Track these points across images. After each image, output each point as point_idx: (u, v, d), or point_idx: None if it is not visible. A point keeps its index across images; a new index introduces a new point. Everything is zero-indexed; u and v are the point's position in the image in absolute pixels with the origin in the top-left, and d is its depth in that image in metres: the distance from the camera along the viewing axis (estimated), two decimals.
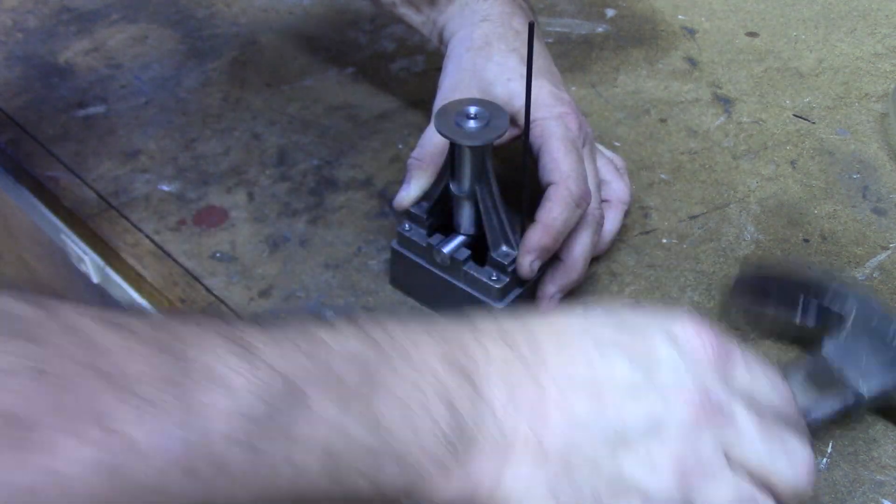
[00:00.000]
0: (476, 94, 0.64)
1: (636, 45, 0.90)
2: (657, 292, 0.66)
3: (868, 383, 0.54)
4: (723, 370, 0.45)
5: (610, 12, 0.94)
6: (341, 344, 0.41)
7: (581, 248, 0.62)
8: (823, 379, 0.55)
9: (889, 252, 0.69)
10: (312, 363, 0.39)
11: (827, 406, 0.54)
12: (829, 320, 0.58)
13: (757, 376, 0.47)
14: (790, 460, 0.45)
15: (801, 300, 0.59)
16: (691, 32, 0.91)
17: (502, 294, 0.60)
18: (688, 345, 0.45)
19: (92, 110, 0.82)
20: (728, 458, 0.44)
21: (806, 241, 0.70)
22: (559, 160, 0.61)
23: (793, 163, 0.77)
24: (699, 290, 0.66)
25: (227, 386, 0.36)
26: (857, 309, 0.57)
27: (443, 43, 0.71)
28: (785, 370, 0.54)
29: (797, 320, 0.59)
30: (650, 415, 0.43)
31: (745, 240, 0.70)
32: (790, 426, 0.46)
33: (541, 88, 0.63)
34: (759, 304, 0.61)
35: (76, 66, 0.86)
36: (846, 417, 0.55)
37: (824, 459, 0.56)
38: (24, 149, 0.78)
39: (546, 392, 0.43)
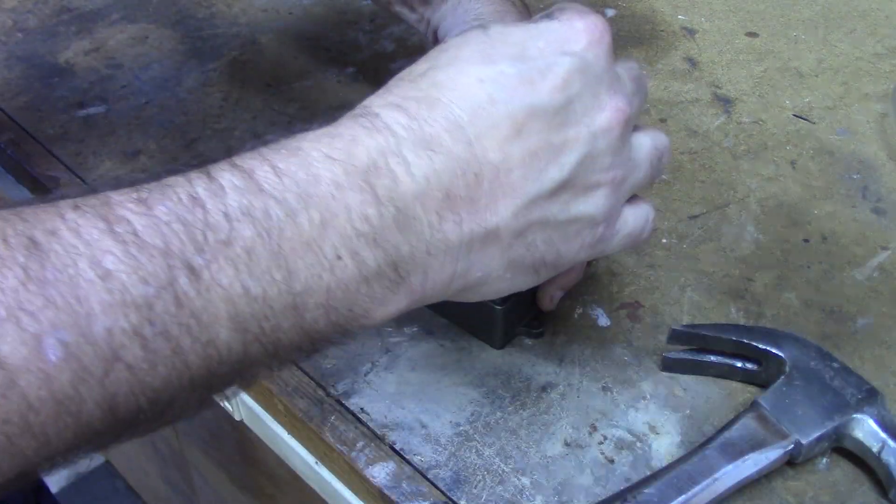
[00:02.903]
0: None
1: (636, 45, 0.90)
2: (657, 292, 0.66)
3: (805, 431, 0.54)
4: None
5: (610, 12, 0.94)
6: (224, 200, 0.38)
7: None
8: (765, 428, 0.54)
9: (889, 252, 0.69)
10: (196, 229, 0.37)
11: (770, 454, 0.53)
12: (769, 365, 0.58)
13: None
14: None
15: (737, 349, 0.60)
16: (691, 32, 0.91)
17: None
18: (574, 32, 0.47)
19: (92, 110, 0.82)
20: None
21: (806, 241, 0.70)
22: None
23: (793, 163, 0.77)
24: (699, 290, 0.66)
25: (101, 274, 0.35)
26: (793, 353, 0.57)
27: (437, 42, 0.71)
28: (732, 420, 0.55)
29: (738, 366, 0.60)
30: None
31: (745, 240, 0.70)
32: None
33: None
34: (699, 353, 0.61)
35: (76, 66, 0.86)
36: (796, 462, 0.55)
37: (824, 459, 0.56)
38: (24, 149, 0.78)
39: (482, 174, 0.44)
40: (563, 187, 0.46)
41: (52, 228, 0.35)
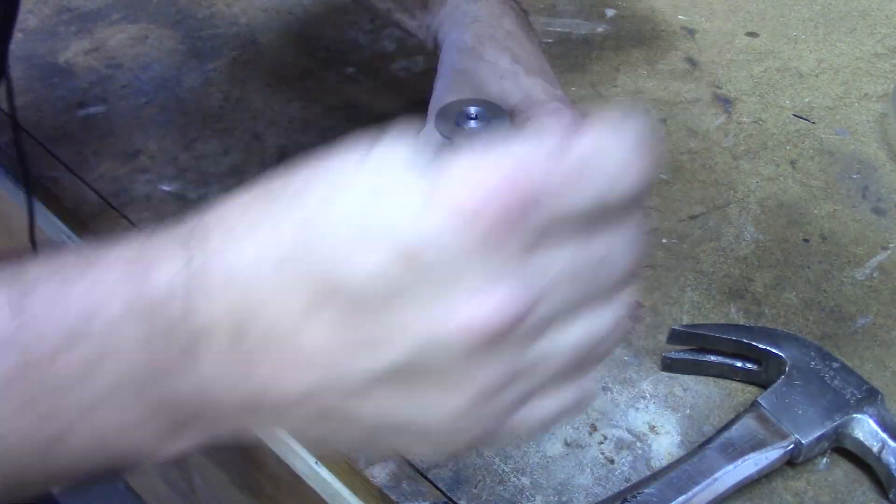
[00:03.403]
0: (470, 95, 0.64)
1: (636, 45, 0.90)
2: (657, 292, 0.66)
3: (805, 431, 0.54)
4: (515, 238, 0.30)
5: (610, 12, 0.94)
6: None
7: None
8: (765, 428, 0.54)
9: (889, 252, 0.69)
10: None
11: (770, 454, 0.54)
12: (769, 365, 0.58)
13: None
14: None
15: (737, 349, 0.60)
16: (691, 32, 0.91)
17: None
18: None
19: (92, 110, 0.82)
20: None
21: (806, 241, 0.70)
22: None
23: (793, 163, 0.77)
24: (699, 290, 0.66)
25: None
26: (793, 353, 0.57)
27: (437, 46, 0.71)
28: (732, 420, 0.55)
29: (738, 366, 0.60)
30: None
31: (745, 240, 0.70)
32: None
33: (534, 85, 0.63)
34: (699, 353, 0.61)
35: (76, 66, 0.86)
36: (796, 462, 0.55)
37: (824, 459, 0.56)
38: (25, 149, 0.78)
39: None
40: (374, 385, 0.32)
41: None
